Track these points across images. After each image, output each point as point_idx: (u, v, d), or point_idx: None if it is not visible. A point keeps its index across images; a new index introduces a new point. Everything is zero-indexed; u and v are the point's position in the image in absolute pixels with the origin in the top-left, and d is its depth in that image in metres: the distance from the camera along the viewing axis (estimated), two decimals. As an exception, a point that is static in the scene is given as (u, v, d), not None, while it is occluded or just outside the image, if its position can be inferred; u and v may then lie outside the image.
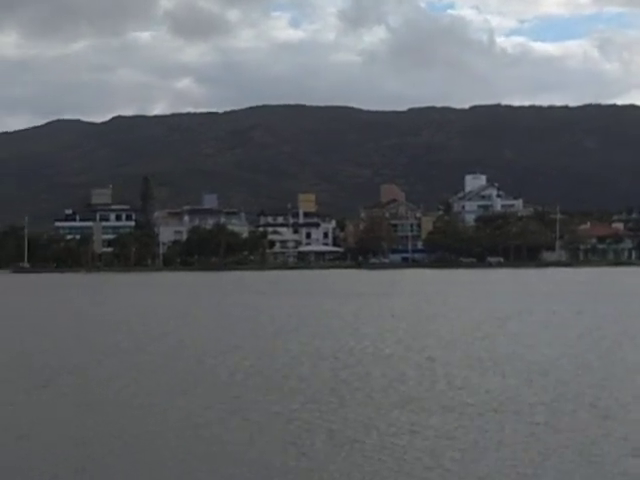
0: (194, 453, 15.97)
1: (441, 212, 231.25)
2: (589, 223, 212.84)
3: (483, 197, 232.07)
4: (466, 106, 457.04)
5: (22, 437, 17.78)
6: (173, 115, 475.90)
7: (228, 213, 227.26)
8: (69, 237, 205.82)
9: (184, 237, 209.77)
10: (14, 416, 20.18)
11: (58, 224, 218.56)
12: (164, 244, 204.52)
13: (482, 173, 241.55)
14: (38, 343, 37.67)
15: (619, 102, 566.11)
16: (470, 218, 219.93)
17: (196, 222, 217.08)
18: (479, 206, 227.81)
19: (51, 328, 46.30)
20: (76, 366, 29.03)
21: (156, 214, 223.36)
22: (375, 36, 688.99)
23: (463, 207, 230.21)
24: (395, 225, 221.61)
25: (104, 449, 16.55)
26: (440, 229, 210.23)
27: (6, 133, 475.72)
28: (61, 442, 17.33)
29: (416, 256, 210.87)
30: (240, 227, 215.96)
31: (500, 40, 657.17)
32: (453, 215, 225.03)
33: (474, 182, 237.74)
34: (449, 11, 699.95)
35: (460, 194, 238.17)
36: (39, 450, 16.63)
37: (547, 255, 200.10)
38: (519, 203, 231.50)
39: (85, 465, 15.30)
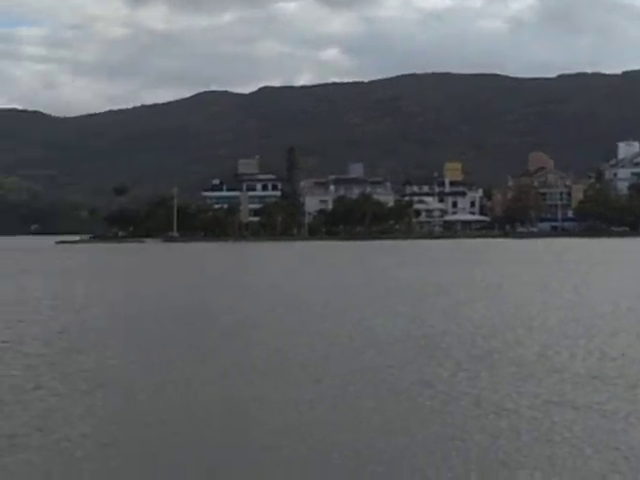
0: (336, 422, 15.52)
1: (592, 180, 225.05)
2: None
3: (637, 164, 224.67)
4: (618, 71, 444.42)
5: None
6: (319, 85, 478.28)
7: (374, 182, 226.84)
8: (217, 207, 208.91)
9: (329, 206, 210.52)
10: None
11: (206, 194, 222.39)
12: (310, 213, 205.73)
13: (636, 140, 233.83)
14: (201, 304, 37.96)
15: None
16: (623, 186, 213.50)
17: (342, 192, 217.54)
18: (633, 173, 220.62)
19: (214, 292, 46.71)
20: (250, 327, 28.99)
21: (302, 184, 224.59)
22: (523, 2, 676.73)
23: (615, 175, 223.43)
24: (544, 194, 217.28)
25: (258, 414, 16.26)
26: (591, 197, 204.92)
27: (155, 105, 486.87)
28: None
29: (565, 225, 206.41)
30: (386, 196, 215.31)
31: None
32: (605, 183, 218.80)
33: (627, 149, 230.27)
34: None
35: (612, 161, 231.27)
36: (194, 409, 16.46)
37: None
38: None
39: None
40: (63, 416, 16.07)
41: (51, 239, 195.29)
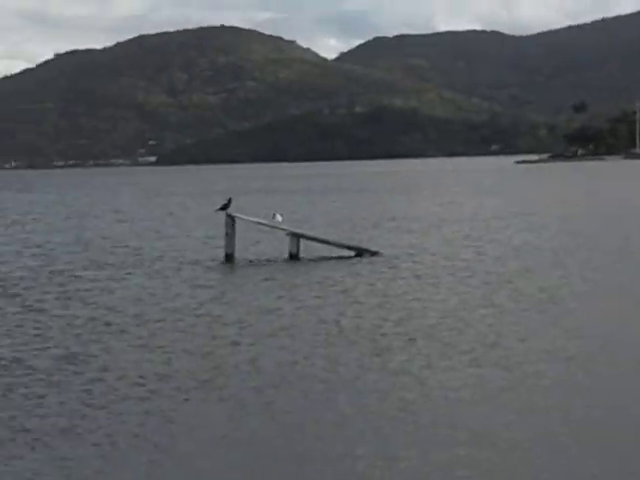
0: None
1: None
2: None
3: None
4: None
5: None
6: None
7: None
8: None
9: None
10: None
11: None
12: None
13: None
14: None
15: None
16: None
17: None
18: None
19: None
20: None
21: None
22: None
23: None
24: None
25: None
26: None
27: (618, 17, 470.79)
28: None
29: None
30: None
31: None
32: None
33: None
34: None
35: None
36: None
37: None
38: None
39: None
40: (512, 333, 16.29)
41: (510, 159, 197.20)
